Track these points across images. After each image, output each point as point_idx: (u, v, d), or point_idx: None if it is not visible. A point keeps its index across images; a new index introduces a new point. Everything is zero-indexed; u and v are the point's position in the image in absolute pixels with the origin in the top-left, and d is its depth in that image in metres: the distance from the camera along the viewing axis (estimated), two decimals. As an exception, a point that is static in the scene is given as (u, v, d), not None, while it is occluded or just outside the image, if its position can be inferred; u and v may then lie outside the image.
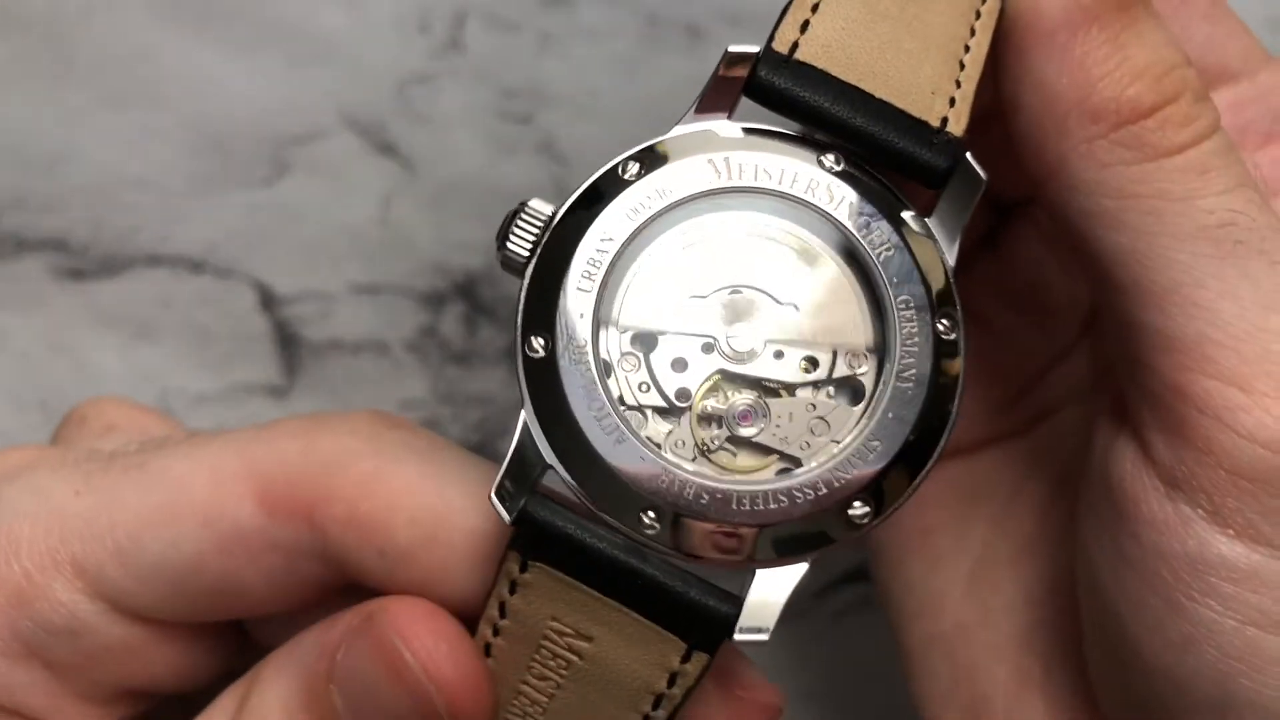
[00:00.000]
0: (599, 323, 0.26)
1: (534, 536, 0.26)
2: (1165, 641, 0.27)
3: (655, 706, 0.27)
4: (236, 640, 0.31)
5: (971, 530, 0.35)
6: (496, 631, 0.27)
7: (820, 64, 0.27)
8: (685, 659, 0.27)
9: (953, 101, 0.27)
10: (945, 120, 0.27)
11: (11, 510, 0.29)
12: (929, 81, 0.27)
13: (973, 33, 0.28)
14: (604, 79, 0.42)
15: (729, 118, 0.28)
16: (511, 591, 0.27)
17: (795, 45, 0.27)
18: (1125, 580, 0.28)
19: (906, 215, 0.27)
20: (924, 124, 0.27)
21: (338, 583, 0.29)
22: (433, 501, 0.28)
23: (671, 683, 0.27)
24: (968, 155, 0.27)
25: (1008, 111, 0.28)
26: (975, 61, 0.28)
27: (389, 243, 0.43)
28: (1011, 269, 0.35)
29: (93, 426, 0.33)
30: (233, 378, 0.44)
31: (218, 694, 0.29)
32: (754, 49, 0.27)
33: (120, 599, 0.29)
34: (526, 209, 0.27)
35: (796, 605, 0.38)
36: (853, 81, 0.27)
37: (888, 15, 0.28)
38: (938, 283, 0.27)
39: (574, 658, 0.27)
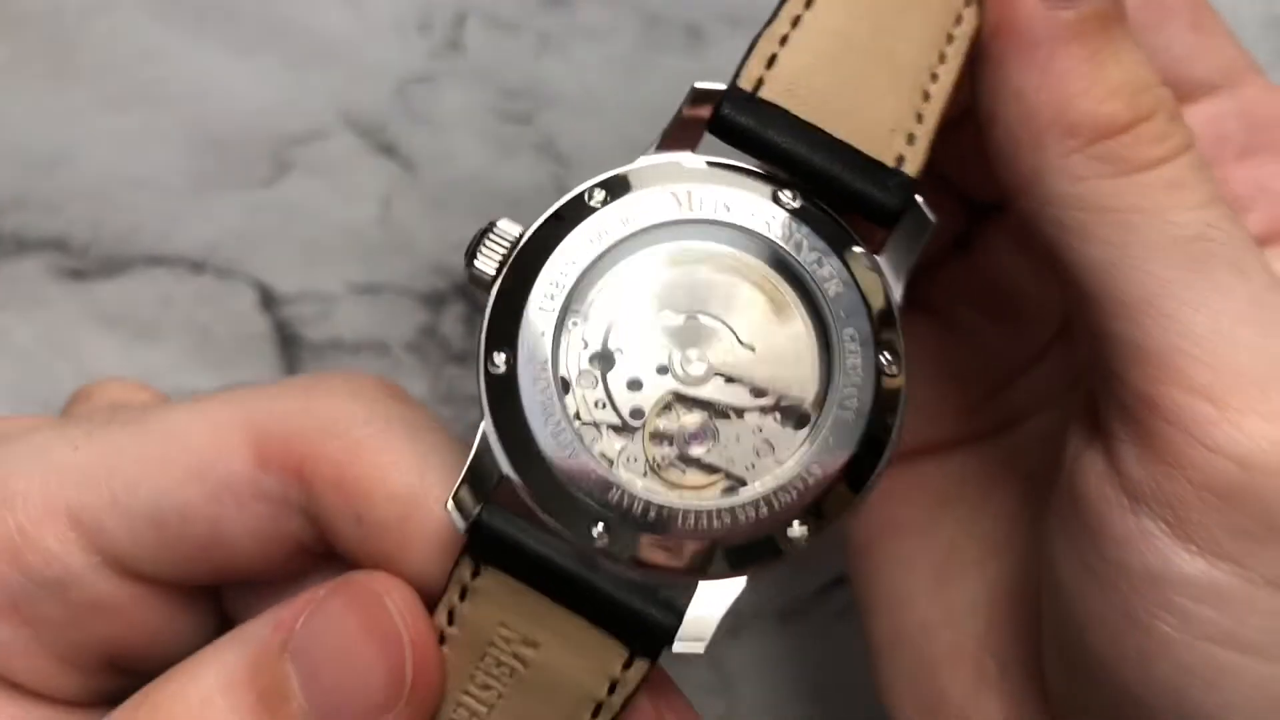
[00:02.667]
0: (559, 341, 0.27)
1: (488, 543, 0.27)
2: (1122, 654, 0.27)
3: (595, 715, 0.28)
4: (217, 617, 0.32)
5: (940, 530, 0.35)
6: (443, 640, 0.28)
7: (783, 102, 0.28)
8: (627, 665, 0.28)
9: (911, 138, 0.28)
10: (901, 159, 0.28)
11: (10, 467, 0.29)
12: (890, 117, 0.28)
13: (943, 59, 0.29)
14: (604, 79, 0.42)
15: (694, 151, 0.29)
16: (462, 598, 0.28)
17: (760, 82, 0.28)
18: (1086, 592, 0.28)
19: (856, 252, 0.28)
20: (878, 164, 0.28)
21: (316, 546, 0.30)
22: (413, 481, 0.28)
23: (612, 690, 0.28)
24: (917, 198, 0.28)
25: (983, 121, 0.29)
26: (940, 93, 0.29)
27: (389, 243, 0.43)
28: (983, 271, 0.35)
29: (97, 403, 0.34)
30: (233, 377, 0.44)
31: None
32: (720, 86, 0.28)
33: (112, 549, 0.29)
34: (494, 229, 0.28)
35: (796, 604, 0.39)
36: (813, 121, 0.28)
37: (856, 48, 0.28)
38: (883, 318, 0.28)
39: (518, 665, 0.28)
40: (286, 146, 0.43)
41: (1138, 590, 0.27)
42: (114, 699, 0.29)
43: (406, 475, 0.28)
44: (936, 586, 0.34)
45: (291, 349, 0.44)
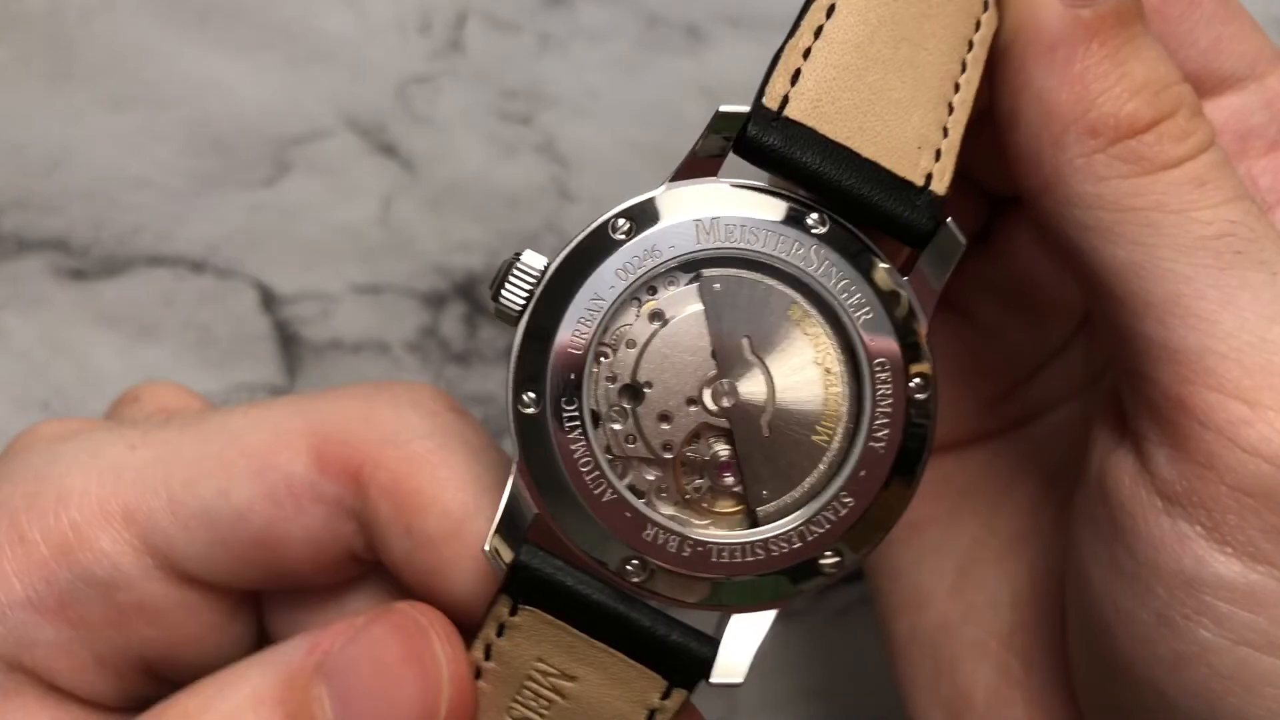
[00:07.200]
0: (588, 376, 0.27)
1: (525, 583, 0.27)
2: (1155, 656, 0.27)
3: None
4: (256, 633, 0.32)
5: (961, 526, 0.35)
6: (479, 674, 0.28)
7: (810, 121, 0.27)
8: (665, 696, 0.28)
9: (938, 154, 0.28)
10: (929, 177, 0.28)
11: (65, 465, 0.29)
12: (916, 134, 0.28)
13: (964, 68, 0.28)
14: (604, 79, 0.42)
15: (717, 173, 0.28)
16: (499, 634, 0.28)
17: (785, 100, 0.27)
18: (1117, 593, 0.28)
19: (885, 276, 0.27)
20: (908, 184, 0.27)
21: (366, 554, 0.30)
22: (467, 500, 0.28)
23: (650, 718, 0.28)
24: (949, 221, 0.28)
25: (1003, 122, 0.28)
26: (964, 104, 0.28)
27: (389, 243, 0.43)
28: (1004, 265, 0.35)
29: (146, 406, 0.33)
30: (234, 377, 0.44)
31: None
32: (744, 109, 0.28)
33: (165, 550, 0.29)
34: (519, 262, 0.27)
35: (796, 604, 0.38)
36: (841, 140, 0.27)
37: (879, 59, 0.28)
38: (912, 343, 0.27)
39: (557, 697, 0.28)
40: (286, 146, 0.43)
41: (1172, 593, 0.27)
42: (145, 706, 0.29)
43: (461, 493, 0.28)
44: (958, 583, 0.34)
45: (291, 349, 0.44)
